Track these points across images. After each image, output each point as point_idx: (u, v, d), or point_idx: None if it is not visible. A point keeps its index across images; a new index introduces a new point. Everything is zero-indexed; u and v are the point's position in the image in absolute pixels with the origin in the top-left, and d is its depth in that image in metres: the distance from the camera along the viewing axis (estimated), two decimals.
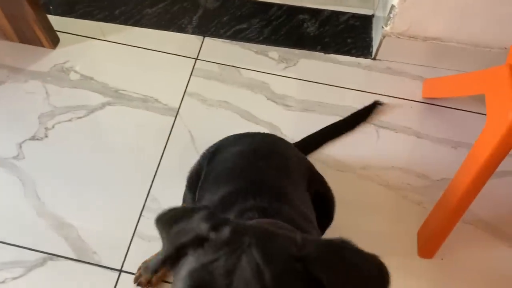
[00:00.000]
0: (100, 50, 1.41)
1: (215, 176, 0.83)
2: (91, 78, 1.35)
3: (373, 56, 1.40)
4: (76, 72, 1.36)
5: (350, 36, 1.46)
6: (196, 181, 0.91)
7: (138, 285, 1.03)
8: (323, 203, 0.92)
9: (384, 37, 1.33)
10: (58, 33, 1.41)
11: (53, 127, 1.27)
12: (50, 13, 1.46)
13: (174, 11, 1.51)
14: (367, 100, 1.30)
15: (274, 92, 1.34)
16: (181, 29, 1.46)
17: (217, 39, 1.44)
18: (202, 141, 1.21)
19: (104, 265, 1.08)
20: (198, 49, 1.42)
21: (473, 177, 0.91)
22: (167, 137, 1.25)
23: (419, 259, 1.10)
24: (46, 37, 1.36)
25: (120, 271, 1.07)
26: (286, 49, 1.42)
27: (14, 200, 1.16)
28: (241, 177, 0.79)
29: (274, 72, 1.37)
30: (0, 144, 1.23)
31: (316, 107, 1.31)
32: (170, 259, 0.51)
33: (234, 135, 0.94)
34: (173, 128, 1.27)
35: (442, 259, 1.10)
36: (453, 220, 1.01)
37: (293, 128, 1.26)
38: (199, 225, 0.50)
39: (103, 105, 1.31)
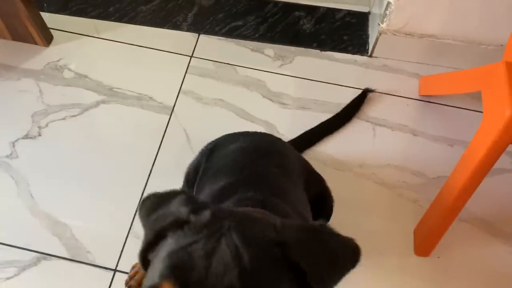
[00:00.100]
0: (94, 48, 1.40)
1: (216, 170, 0.83)
2: (85, 76, 1.34)
3: (369, 54, 1.40)
4: (70, 70, 1.35)
5: (346, 33, 1.45)
6: (194, 177, 0.91)
7: None
8: (321, 202, 0.92)
9: (380, 34, 1.33)
10: (51, 30, 1.39)
11: (46, 125, 1.25)
12: (44, 10, 1.45)
13: (169, 8, 1.50)
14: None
15: (270, 90, 1.33)
16: (176, 27, 1.45)
17: (213, 36, 1.43)
18: (197, 139, 1.20)
19: (99, 264, 1.07)
20: (193, 47, 1.41)
21: (469, 174, 0.90)
22: (162, 135, 1.24)
23: (415, 257, 1.09)
24: (39, 35, 1.35)
25: (115, 270, 1.06)
26: (282, 46, 1.42)
27: (7, 199, 1.15)
28: (244, 170, 0.79)
29: (270, 70, 1.36)
30: None
31: (312, 105, 1.31)
32: (151, 246, 0.51)
33: (232, 133, 0.93)
34: (168, 126, 1.26)
35: (438, 257, 1.09)
36: (449, 218, 1.00)
37: (289, 126, 1.26)
38: (178, 208, 0.51)
39: (97, 103, 1.29)
